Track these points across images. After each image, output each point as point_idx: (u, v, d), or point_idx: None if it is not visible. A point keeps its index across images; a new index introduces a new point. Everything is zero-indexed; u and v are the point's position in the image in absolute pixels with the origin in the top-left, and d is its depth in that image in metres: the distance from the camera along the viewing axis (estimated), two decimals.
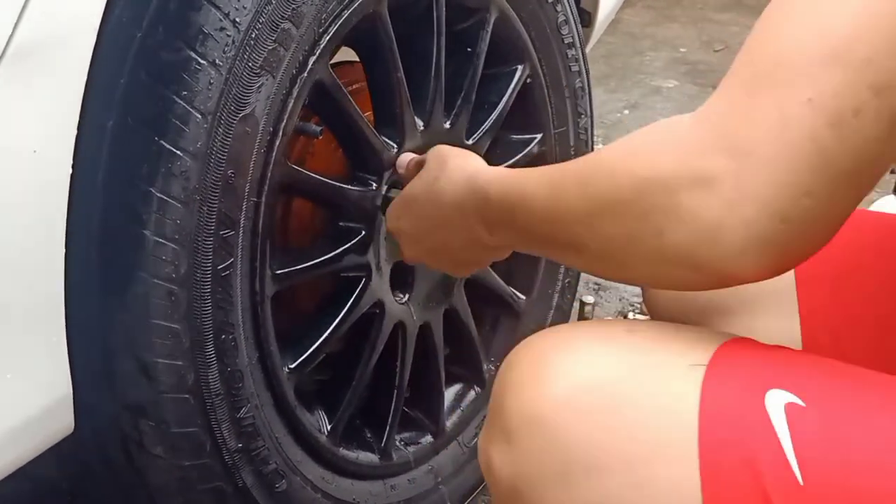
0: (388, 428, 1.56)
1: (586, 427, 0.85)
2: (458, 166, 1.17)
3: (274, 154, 1.26)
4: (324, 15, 1.28)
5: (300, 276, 1.40)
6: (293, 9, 1.23)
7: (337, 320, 1.44)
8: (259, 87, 1.20)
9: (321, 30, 1.28)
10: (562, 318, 1.86)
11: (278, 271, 1.34)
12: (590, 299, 2.39)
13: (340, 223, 1.45)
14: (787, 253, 0.81)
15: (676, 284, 0.90)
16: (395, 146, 1.46)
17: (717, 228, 0.80)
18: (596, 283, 2.62)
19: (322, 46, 1.29)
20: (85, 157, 1.09)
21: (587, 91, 1.81)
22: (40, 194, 1.06)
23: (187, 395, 1.22)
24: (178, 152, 1.14)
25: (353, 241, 1.44)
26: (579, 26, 1.76)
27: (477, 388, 1.74)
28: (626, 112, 3.77)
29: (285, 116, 1.26)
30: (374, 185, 1.44)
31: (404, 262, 1.43)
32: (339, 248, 1.43)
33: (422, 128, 1.50)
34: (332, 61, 1.34)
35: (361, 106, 1.42)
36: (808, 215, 0.80)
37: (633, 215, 0.85)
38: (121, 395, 1.22)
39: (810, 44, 0.79)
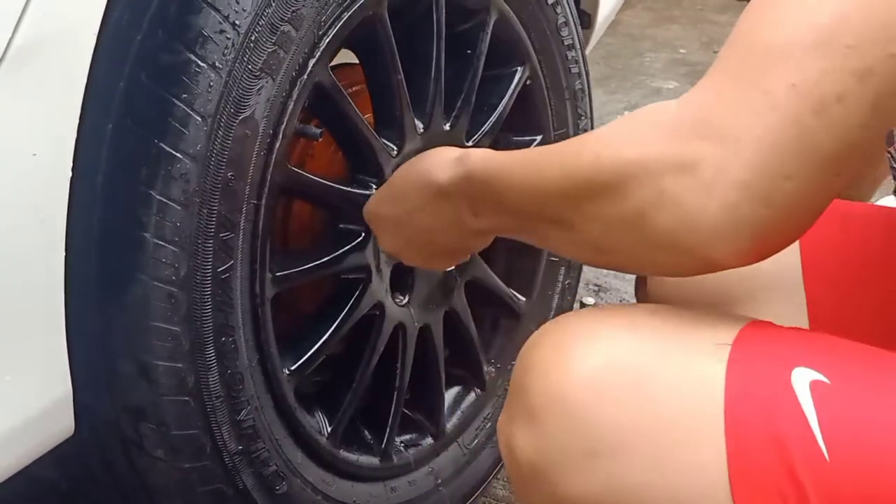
0: (388, 430, 1.56)
1: (612, 407, 0.86)
2: (443, 150, 1.18)
3: (274, 156, 1.26)
4: (323, 17, 1.28)
5: (300, 278, 1.40)
6: (293, 11, 1.23)
7: (337, 322, 1.44)
8: (259, 89, 1.20)
9: (321, 32, 1.28)
10: None
11: (278, 273, 1.34)
12: (590, 300, 2.39)
13: (340, 225, 1.45)
14: (770, 237, 0.82)
15: (660, 269, 0.93)
16: (395, 148, 1.46)
17: (699, 212, 0.81)
18: (596, 285, 2.63)
19: (322, 49, 1.29)
20: (85, 159, 1.09)
21: (587, 93, 1.81)
22: (40, 197, 1.06)
23: (187, 398, 1.22)
24: (178, 155, 1.14)
25: (353, 243, 1.44)
26: (579, 28, 1.76)
27: (477, 390, 1.73)
28: (627, 113, 3.76)
29: (285, 119, 1.26)
30: (374, 186, 1.44)
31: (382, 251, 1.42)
32: (338, 250, 1.43)
33: (422, 130, 1.50)
34: (331, 63, 1.34)
35: (361, 108, 1.42)
36: (789, 200, 0.80)
37: (617, 197, 0.85)
38: (121, 398, 1.22)
39: (795, 30, 0.80)
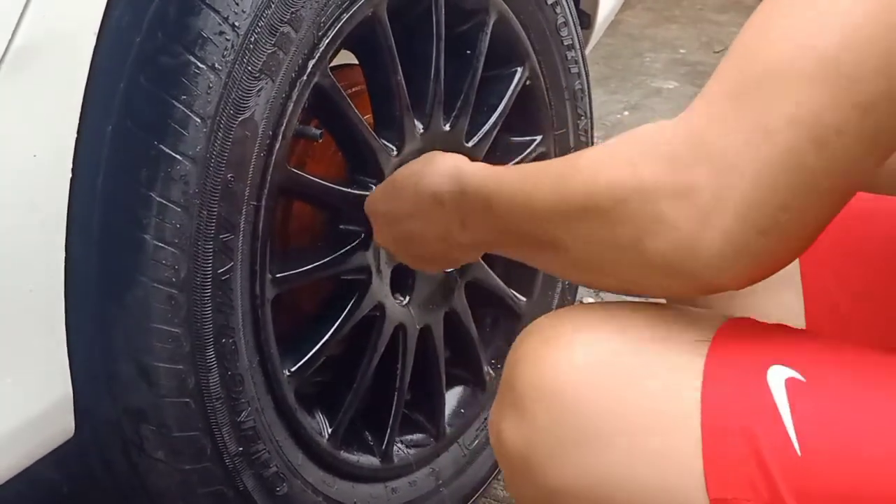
0: (388, 430, 1.56)
1: (597, 399, 0.88)
2: (446, 157, 1.18)
3: (273, 157, 1.26)
4: (323, 18, 1.28)
5: (300, 279, 1.40)
6: (292, 12, 1.23)
7: (337, 323, 1.44)
8: (258, 90, 1.21)
9: (320, 33, 1.28)
10: None
11: (278, 275, 1.34)
12: (590, 300, 2.39)
13: (340, 226, 1.45)
14: (765, 262, 0.82)
15: (655, 291, 0.92)
16: (395, 149, 1.46)
17: (695, 238, 0.80)
18: None
19: (321, 50, 1.29)
20: (84, 161, 1.09)
21: (587, 93, 1.81)
22: (40, 198, 1.06)
23: (188, 399, 1.23)
24: (178, 156, 1.14)
25: (353, 244, 1.44)
26: (578, 28, 1.76)
27: (478, 391, 1.73)
28: (626, 113, 3.77)
29: (285, 120, 1.26)
30: (374, 187, 1.44)
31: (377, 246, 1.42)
32: (339, 251, 1.43)
33: (421, 130, 1.50)
34: (331, 64, 1.34)
35: (361, 109, 1.42)
36: (785, 228, 0.80)
37: (612, 221, 0.85)
38: (121, 399, 1.22)
39: (796, 59, 0.78)
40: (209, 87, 1.15)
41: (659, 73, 4.19)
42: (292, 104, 1.27)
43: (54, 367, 1.12)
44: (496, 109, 1.64)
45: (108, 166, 1.14)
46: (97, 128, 1.12)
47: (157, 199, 1.14)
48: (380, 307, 1.50)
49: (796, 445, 0.82)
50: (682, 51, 4.45)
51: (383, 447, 1.56)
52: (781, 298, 1.20)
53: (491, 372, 1.74)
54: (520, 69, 1.67)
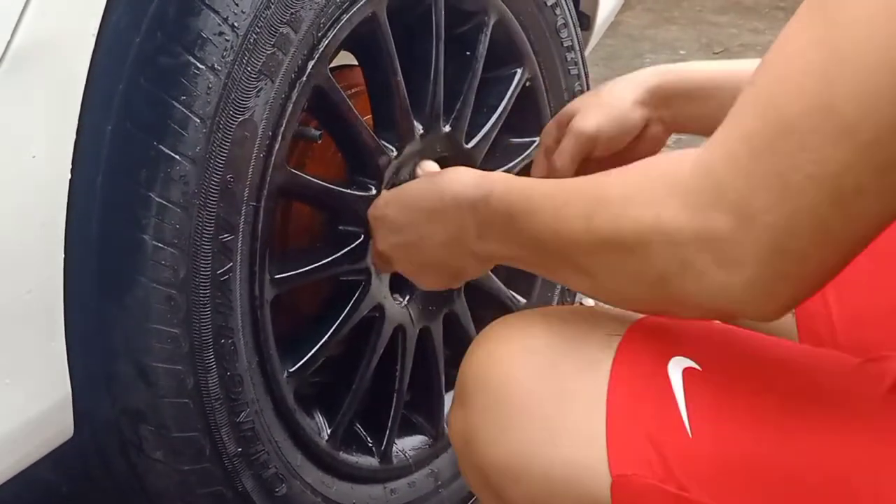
0: (387, 432, 1.56)
1: (521, 385, 0.99)
2: (469, 169, 1.18)
3: (273, 158, 1.26)
4: (322, 19, 1.28)
5: (299, 280, 1.40)
6: (292, 13, 1.23)
7: (336, 324, 1.44)
8: (258, 91, 1.21)
9: (320, 34, 1.28)
10: None
11: (277, 275, 1.34)
12: (590, 302, 2.39)
13: (340, 227, 1.45)
14: (792, 301, 0.84)
15: (682, 316, 0.97)
16: (395, 150, 1.46)
17: (720, 282, 0.83)
18: None
19: (321, 50, 1.29)
20: (84, 161, 1.09)
21: None
22: (39, 199, 1.06)
23: (187, 400, 1.23)
24: (177, 157, 1.14)
25: (352, 245, 1.44)
26: (578, 30, 1.76)
27: None
28: None
29: (284, 121, 1.26)
30: (374, 188, 1.44)
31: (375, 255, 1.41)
32: (338, 252, 1.43)
33: (421, 131, 1.50)
34: (331, 65, 1.34)
35: (360, 110, 1.42)
36: (808, 274, 0.82)
37: (638, 259, 0.88)
38: (120, 400, 1.22)
39: (816, 116, 0.77)
40: (209, 88, 1.15)
41: None
42: (292, 105, 1.27)
43: (53, 368, 1.12)
44: (496, 110, 1.64)
45: (108, 167, 1.14)
46: (96, 128, 1.12)
47: (157, 199, 1.15)
48: (379, 308, 1.50)
49: (688, 427, 0.91)
50: (681, 52, 4.45)
51: (382, 448, 1.56)
52: None
53: None
54: (519, 70, 1.67)
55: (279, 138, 1.26)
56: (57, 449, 1.17)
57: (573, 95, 1.77)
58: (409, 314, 1.56)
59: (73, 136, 1.07)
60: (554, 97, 1.74)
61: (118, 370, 1.20)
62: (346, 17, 1.32)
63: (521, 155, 1.72)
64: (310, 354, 1.41)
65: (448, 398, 1.68)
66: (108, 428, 1.24)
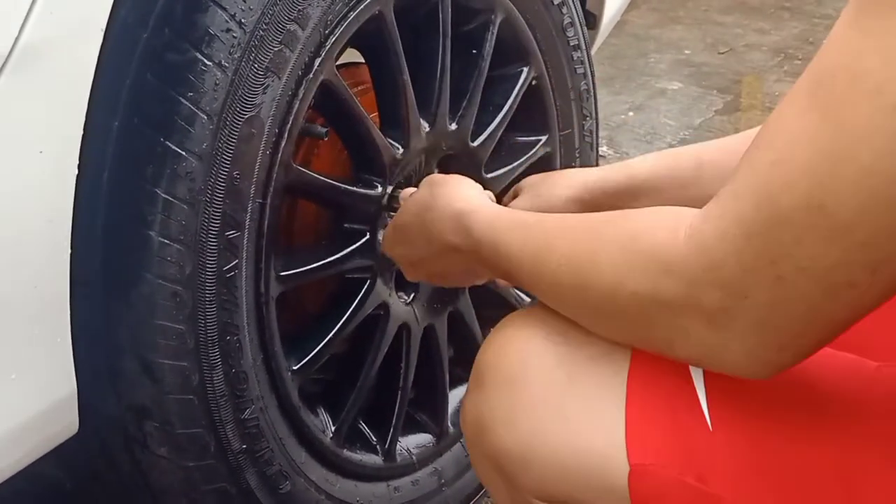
0: (391, 430, 1.56)
1: (537, 371, 0.99)
2: (447, 197, 1.18)
3: (279, 155, 1.26)
4: (330, 16, 1.28)
5: (305, 277, 1.40)
6: (299, 10, 1.23)
7: (341, 322, 1.44)
8: (265, 88, 1.20)
9: (327, 31, 1.28)
10: None
11: (283, 273, 1.34)
12: None
13: (345, 225, 1.45)
14: (782, 367, 0.85)
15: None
16: (401, 147, 1.46)
17: (722, 352, 0.84)
18: None
19: (328, 48, 1.29)
20: (91, 157, 1.09)
21: (592, 93, 1.81)
22: (46, 194, 1.06)
23: (192, 397, 1.22)
24: (184, 153, 1.14)
25: (357, 243, 1.44)
26: (585, 28, 1.76)
27: None
28: (631, 114, 3.77)
29: (291, 118, 1.26)
30: (380, 186, 1.44)
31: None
32: (343, 249, 1.43)
33: (427, 129, 1.50)
34: (337, 63, 1.34)
35: (367, 107, 1.42)
36: (799, 346, 0.83)
37: (639, 325, 0.90)
38: (125, 396, 1.22)
39: (809, 212, 0.76)
40: (216, 85, 1.15)
41: (663, 73, 4.19)
42: (298, 102, 1.27)
43: (58, 364, 1.12)
44: (502, 109, 1.64)
45: (114, 162, 1.14)
46: (103, 124, 1.12)
47: (163, 195, 1.14)
48: (384, 306, 1.50)
49: (708, 420, 0.91)
50: (686, 52, 4.45)
51: (386, 446, 1.56)
52: None
53: None
54: (526, 69, 1.67)
55: (286, 135, 1.26)
56: (62, 445, 1.17)
57: (579, 94, 1.77)
58: (414, 312, 1.56)
59: (80, 131, 1.07)
60: (560, 96, 1.74)
61: (123, 366, 1.20)
62: (353, 14, 1.32)
63: (527, 153, 1.72)
64: (314, 352, 1.41)
65: (452, 396, 1.68)
66: (113, 424, 1.24)
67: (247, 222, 1.23)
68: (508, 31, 1.61)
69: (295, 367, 1.39)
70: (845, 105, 0.74)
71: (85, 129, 1.07)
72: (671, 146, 3.49)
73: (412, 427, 1.65)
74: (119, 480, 1.30)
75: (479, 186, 1.22)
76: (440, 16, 1.49)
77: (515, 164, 1.69)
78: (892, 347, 0.98)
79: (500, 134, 1.64)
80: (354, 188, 1.43)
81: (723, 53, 4.42)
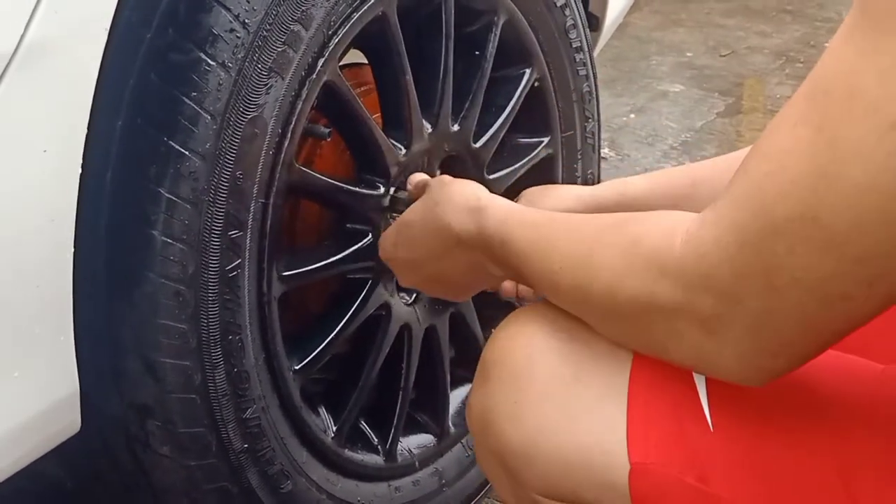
0: (393, 430, 1.56)
1: (542, 367, 0.99)
2: (460, 193, 1.17)
3: (282, 155, 1.26)
4: (333, 17, 1.28)
5: (307, 277, 1.40)
6: (303, 11, 1.23)
7: (343, 322, 1.44)
8: (268, 88, 1.21)
9: (330, 32, 1.28)
10: None
11: (285, 272, 1.34)
12: None
13: (348, 225, 1.45)
14: (776, 374, 0.85)
15: None
16: (403, 148, 1.46)
17: (716, 356, 0.85)
18: None
19: (331, 48, 1.29)
20: (94, 156, 1.09)
21: (595, 95, 1.81)
22: (50, 193, 1.06)
23: (194, 396, 1.23)
24: (187, 153, 1.15)
25: (360, 243, 1.44)
26: (587, 30, 1.77)
27: None
28: (633, 116, 3.77)
29: (294, 118, 1.26)
30: (382, 187, 1.45)
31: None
32: (346, 249, 1.43)
33: (430, 130, 1.50)
34: (341, 63, 1.34)
35: (370, 108, 1.42)
36: (793, 353, 0.83)
37: (636, 327, 0.91)
38: (128, 395, 1.22)
39: (803, 224, 0.76)
40: (219, 85, 1.15)
41: (665, 76, 4.20)
42: (302, 102, 1.27)
43: (61, 363, 1.12)
44: (504, 110, 1.65)
45: (118, 162, 1.14)
46: (107, 124, 1.12)
47: (166, 195, 1.15)
48: (385, 306, 1.50)
49: (710, 421, 0.92)
50: (688, 54, 4.45)
51: (387, 446, 1.56)
52: None
53: None
54: (528, 70, 1.67)
55: (289, 135, 1.26)
56: (63, 444, 1.17)
57: (581, 96, 1.77)
58: (416, 313, 1.56)
59: (84, 131, 1.07)
60: (562, 97, 1.74)
61: (126, 365, 1.20)
62: (356, 15, 1.32)
63: (529, 155, 1.72)
64: (316, 352, 1.41)
65: (453, 397, 1.69)
66: (115, 423, 1.24)
67: (249, 222, 1.23)
68: (511, 33, 1.62)
69: (297, 367, 1.39)
70: (840, 122, 0.74)
71: (89, 128, 1.07)
72: (672, 148, 3.49)
73: (413, 427, 1.65)
74: (121, 479, 1.30)
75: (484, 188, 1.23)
76: (443, 17, 1.49)
77: (517, 165, 1.70)
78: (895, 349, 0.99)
79: (502, 135, 1.65)
80: (357, 189, 1.43)
81: (724, 56, 4.43)
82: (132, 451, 1.26)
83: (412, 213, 1.25)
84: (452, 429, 1.67)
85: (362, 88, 1.53)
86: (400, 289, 1.53)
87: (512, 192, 1.46)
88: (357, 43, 1.38)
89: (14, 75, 0.98)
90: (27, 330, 1.08)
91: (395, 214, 1.45)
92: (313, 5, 1.24)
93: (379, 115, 1.50)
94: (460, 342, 1.68)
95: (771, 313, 0.80)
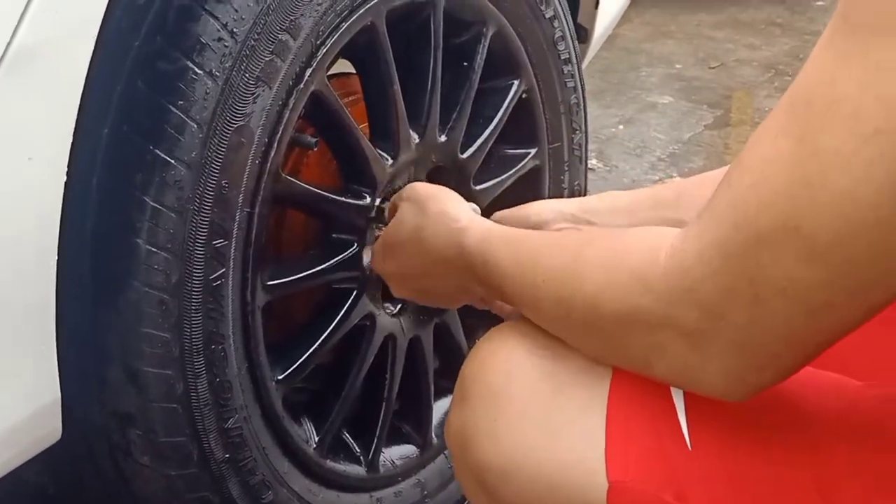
0: (375, 440, 1.56)
1: (520, 385, 0.99)
2: (441, 213, 1.17)
3: (269, 165, 1.26)
4: (321, 27, 1.28)
5: (291, 287, 1.39)
6: (291, 20, 1.23)
7: (327, 332, 1.44)
8: (255, 97, 1.21)
9: (318, 42, 1.28)
10: None
11: (270, 282, 1.33)
12: None
13: (333, 235, 1.45)
14: (759, 388, 0.85)
15: None
16: (391, 159, 1.46)
17: (698, 371, 0.84)
18: None
19: (319, 58, 1.29)
20: (80, 164, 1.09)
21: (582, 107, 1.81)
22: (34, 200, 1.06)
23: (176, 405, 1.22)
24: (173, 161, 1.14)
25: (345, 254, 1.44)
26: (576, 42, 1.77)
27: None
28: (621, 127, 3.78)
29: (281, 128, 1.26)
30: (368, 197, 1.44)
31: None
32: (331, 259, 1.43)
33: (417, 140, 1.50)
34: (328, 73, 1.34)
35: (357, 118, 1.42)
36: (777, 367, 0.82)
37: (618, 343, 0.90)
38: (109, 403, 1.21)
39: (786, 234, 0.76)
40: (206, 93, 1.15)
41: (654, 87, 4.20)
42: (289, 112, 1.27)
43: (43, 370, 1.12)
44: (492, 121, 1.65)
45: (104, 170, 1.14)
46: (93, 131, 1.12)
47: (152, 203, 1.14)
48: (370, 317, 1.50)
49: (688, 439, 0.91)
50: (677, 66, 4.46)
51: (370, 457, 1.56)
52: None
53: None
54: (516, 82, 1.67)
55: (275, 145, 1.26)
56: (45, 451, 1.17)
57: (569, 108, 1.77)
58: (400, 323, 1.56)
59: (70, 138, 1.07)
60: (550, 109, 1.74)
61: (108, 373, 1.20)
62: (345, 25, 1.32)
63: (516, 166, 1.72)
64: (300, 361, 1.41)
65: (437, 408, 1.68)
66: (97, 431, 1.23)
67: (234, 231, 1.23)
68: (499, 44, 1.62)
69: (280, 377, 1.38)
70: (822, 130, 0.74)
71: (75, 135, 1.07)
72: (660, 160, 3.50)
73: (396, 438, 1.65)
74: (102, 487, 1.30)
75: (464, 200, 1.22)
76: (432, 27, 1.49)
77: (504, 176, 1.70)
78: (874, 366, 0.99)
79: (489, 146, 1.64)
80: (343, 199, 1.43)
81: (713, 68, 4.44)
82: (114, 460, 1.26)
83: (397, 229, 1.25)
84: (435, 440, 1.67)
85: (350, 98, 1.53)
86: (385, 299, 1.53)
87: (498, 204, 1.46)
88: (345, 53, 1.37)
89: (0, 81, 0.98)
90: (9, 337, 1.08)
91: (381, 225, 1.44)
92: (302, 15, 1.24)
93: (366, 125, 1.49)
94: (444, 353, 1.68)
95: (756, 326, 0.79)
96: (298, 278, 1.40)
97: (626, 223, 1.28)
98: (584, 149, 1.85)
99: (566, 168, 1.81)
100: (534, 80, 1.70)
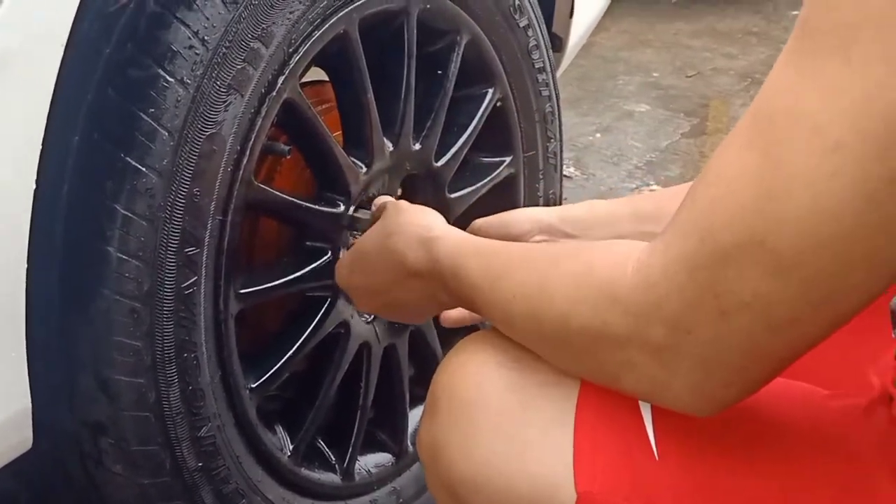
0: (350, 448, 1.56)
1: (490, 397, 0.98)
2: (413, 223, 1.17)
3: (241, 173, 1.25)
4: (294, 35, 1.28)
5: (265, 295, 1.39)
6: (263, 28, 1.23)
7: (301, 340, 1.44)
8: (227, 105, 1.20)
9: (291, 50, 1.28)
10: None
11: (242, 290, 1.33)
12: None
13: (307, 243, 1.45)
14: (727, 403, 0.85)
15: None
16: (364, 167, 1.46)
17: (664, 385, 0.84)
18: None
19: (292, 66, 1.29)
20: (49, 172, 1.08)
21: (557, 116, 1.82)
22: (3, 208, 1.06)
23: (148, 414, 1.22)
24: (144, 169, 1.14)
25: (319, 262, 1.44)
26: (550, 51, 1.77)
27: None
28: (598, 135, 3.79)
29: (253, 135, 1.26)
30: (342, 205, 1.44)
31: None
32: (304, 267, 1.43)
33: (391, 149, 1.50)
34: (301, 81, 1.34)
35: (331, 126, 1.42)
36: (744, 381, 0.83)
37: (588, 358, 0.90)
38: (81, 412, 1.21)
39: (751, 249, 0.76)
40: (177, 101, 1.15)
41: (631, 95, 4.22)
42: (261, 120, 1.27)
43: (13, 379, 1.11)
44: (466, 129, 1.65)
45: (74, 177, 1.14)
46: (63, 138, 1.12)
47: (122, 211, 1.14)
48: (344, 325, 1.50)
49: (655, 450, 0.91)
50: (655, 74, 4.48)
51: (345, 465, 1.55)
52: None
53: None
54: (490, 90, 1.68)
55: (248, 153, 1.26)
56: (16, 460, 1.16)
57: (544, 116, 1.78)
58: (375, 331, 1.56)
59: (40, 145, 1.06)
60: (524, 117, 1.75)
61: (79, 382, 1.19)
62: (317, 33, 1.32)
63: (491, 174, 1.72)
64: (273, 370, 1.41)
65: (412, 416, 1.68)
66: (68, 440, 1.23)
67: (206, 239, 1.23)
68: (474, 53, 1.62)
69: (253, 385, 1.38)
70: (784, 145, 0.74)
71: (44, 143, 1.06)
72: (637, 168, 3.51)
73: (371, 446, 1.64)
74: (74, 496, 1.29)
75: (440, 215, 1.22)
76: (405, 36, 1.49)
77: (479, 184, 1.70)
78: (840, 375, 0.99)
79: (463, 154, 1.65)
80: (316, 206, 1.43)
81: (690, 77, 4.46)
82: (85, 469, 1.25)
83: (366, 241, 1.24)
84: (411, 447, 1.67)
85: (323, 106, 1.53)
86: None
87: (472, 212, 1.46)
88: (318, 61, 1.37)
89: None
90: None
91: (355, 233, 1.44)
92: (274, 23, 1.24)
93: (340, 133, 1.49)
94: (420, 360, 1.68)
95: (721, 341, 0.79)
96: (272, 286, 1.40)
97: (606, 235, 1.29)
98: (559, 157, 1.85)
99: (541, 176, 1.81)
100: (508, 88, 1.70)
